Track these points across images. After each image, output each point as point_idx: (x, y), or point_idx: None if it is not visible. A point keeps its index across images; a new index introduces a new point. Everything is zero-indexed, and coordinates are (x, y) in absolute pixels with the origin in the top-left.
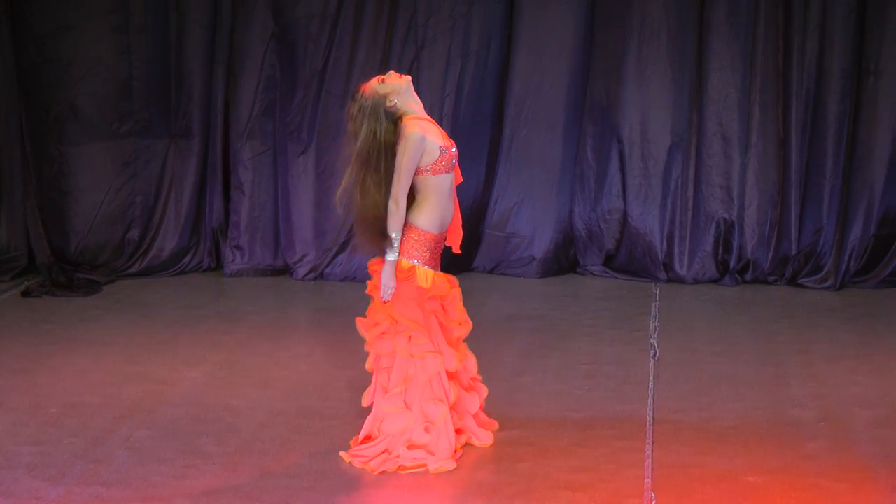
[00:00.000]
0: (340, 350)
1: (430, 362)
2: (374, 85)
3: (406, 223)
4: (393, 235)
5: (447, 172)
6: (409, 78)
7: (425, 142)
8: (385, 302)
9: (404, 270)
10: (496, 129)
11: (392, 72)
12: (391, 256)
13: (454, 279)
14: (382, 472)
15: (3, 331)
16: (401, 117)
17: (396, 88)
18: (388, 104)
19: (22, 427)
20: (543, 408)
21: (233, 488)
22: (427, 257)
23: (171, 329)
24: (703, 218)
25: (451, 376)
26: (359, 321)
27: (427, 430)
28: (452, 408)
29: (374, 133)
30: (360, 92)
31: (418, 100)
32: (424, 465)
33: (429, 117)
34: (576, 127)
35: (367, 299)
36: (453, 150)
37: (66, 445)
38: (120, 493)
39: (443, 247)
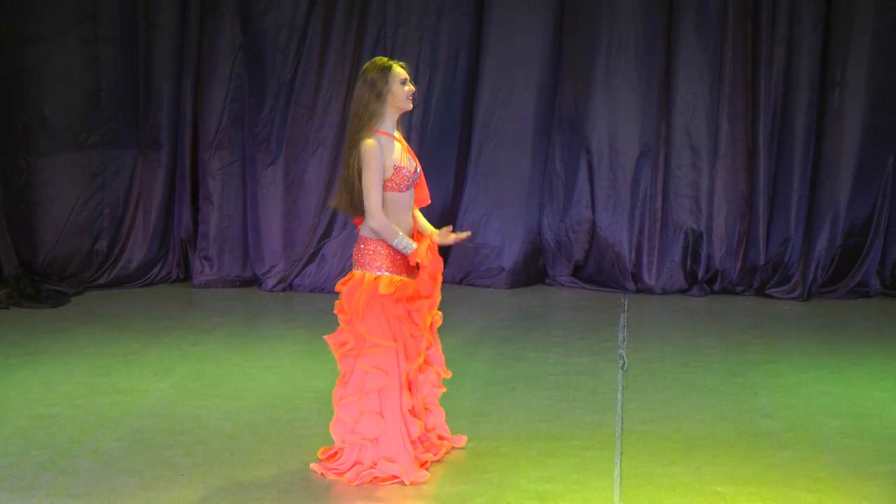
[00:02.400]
0: (309, 361)
1: (372, 378)
2: (398, 78)
3: (360, 237)
4: (395, 242)
5: (401, 191)
6: (409, 109)
7: (382, 156)
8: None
9: (369, 283)
10: (464, 140)
11: (414, 89)
12: (405, 247)
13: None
14: (359, 485)
15: None
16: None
17: (398, 101)
18: (382, 97)
19: None
20: (512, 418)
21: (202, 499)
22: (389, 265)
23: (139, 340)
24: (671, 228)
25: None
26: (329, 339)
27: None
28: (418, 416)
29: (372, 87)
30: (387, 69)
31: (396, 123)
32: (398, 478)
33: (394, 135)
34: (544, 138)
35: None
36: (413, 170)
37: (34, 457)
38: None
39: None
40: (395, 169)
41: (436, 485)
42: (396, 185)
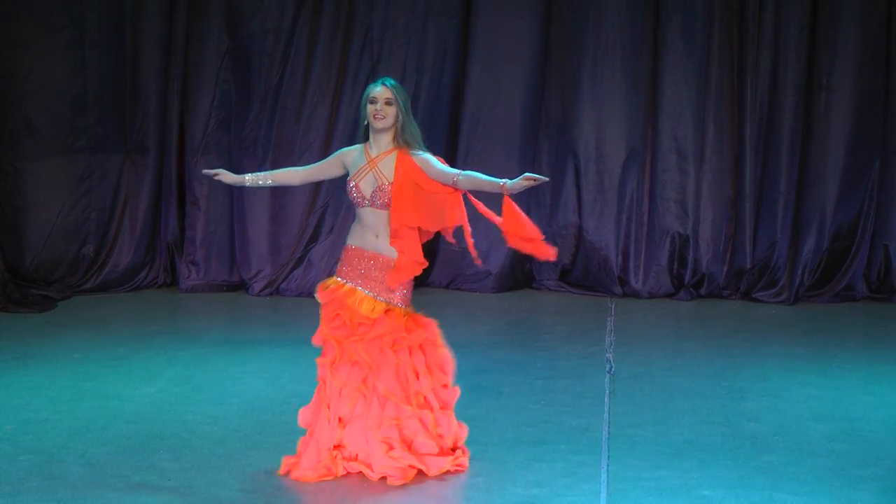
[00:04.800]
0: (296, 366)
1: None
2: (367, 97)
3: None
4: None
5: (358, 206)
6: (377, 127)
7: (339, 160)
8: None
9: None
10: (451, 145)
11: (378, 108)
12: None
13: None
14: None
15: None
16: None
17: (369, 119)
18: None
19: None
20: (499, 423)
21: None
22: (346, 270)
23: (126, 345)
24: (657, 232)
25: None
26: (319, 361)
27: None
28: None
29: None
30: (367, 87)
31: (379, 143)
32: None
33: (369, 153)
34: (531, 142)
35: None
36: (363, 194)
37: (21, 462)
38: None
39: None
40: (348, 186)
41: (422, 489)
42: (352, 198)
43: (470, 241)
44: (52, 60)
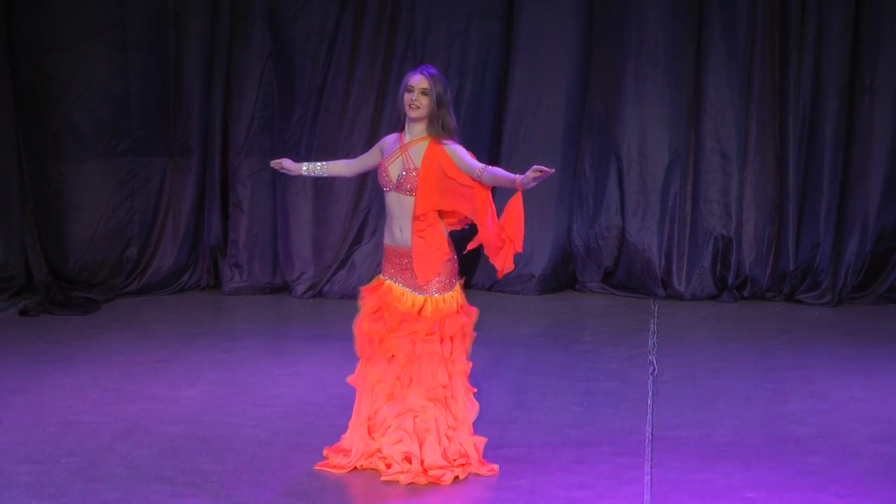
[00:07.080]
0: (339, 368)
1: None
2: (404, 84)
3: None
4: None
5: (385, 189)
6: (411, 117)
7: (379, 147)
8: None
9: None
10: (494, 146)
11: (413, 97)
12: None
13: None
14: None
15: (1, 349)
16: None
17: (403, 107)
18: (399, 101)
19: (20, 446)
20: (542, 424)
21: None
22: (387, 268)
23: (169, 347)
24: (700, 234)
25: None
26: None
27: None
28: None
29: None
30: (406, 75)
31: (413, 131)
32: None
33: (403, 139)
34: (574, 144)
35: None
36: (392, 178)
37: (64, 464)
38: None
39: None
40: (378, 166)
41: (465, 491)
42: (380, 179)
43: (480, 236)
44: (95, 63)
